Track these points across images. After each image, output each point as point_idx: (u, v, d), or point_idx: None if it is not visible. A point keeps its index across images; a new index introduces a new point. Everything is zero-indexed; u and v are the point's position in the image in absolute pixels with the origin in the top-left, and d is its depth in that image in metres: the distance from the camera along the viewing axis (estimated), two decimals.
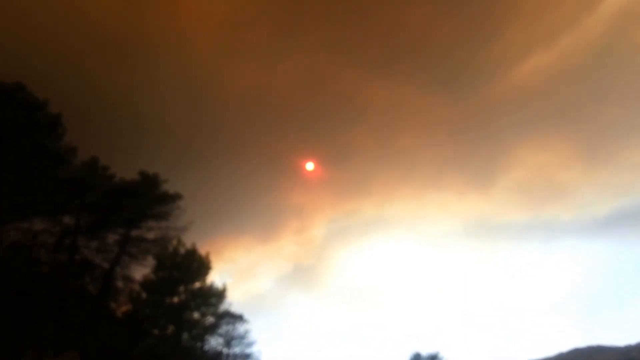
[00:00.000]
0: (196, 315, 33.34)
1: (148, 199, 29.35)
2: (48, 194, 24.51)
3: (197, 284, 33.57)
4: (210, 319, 33.49)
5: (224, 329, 33.56)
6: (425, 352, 45.94)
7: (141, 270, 30.17)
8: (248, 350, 33.77)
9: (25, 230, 25.69)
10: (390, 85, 47.27)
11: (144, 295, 31.89)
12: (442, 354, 45.32)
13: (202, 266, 33.77)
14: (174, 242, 32.37)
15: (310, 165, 44.77)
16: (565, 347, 58.82)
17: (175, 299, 32.71)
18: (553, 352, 58.84)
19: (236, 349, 33.60)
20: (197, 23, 40.11)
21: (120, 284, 28.47)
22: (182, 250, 33.53)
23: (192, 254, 33.70)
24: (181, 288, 33.03)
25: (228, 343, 33.46)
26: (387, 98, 48.78)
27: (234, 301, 34.36)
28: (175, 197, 30.09)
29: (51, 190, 24.56)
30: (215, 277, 37.30)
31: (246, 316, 34.07)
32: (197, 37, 41.03)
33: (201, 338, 32.93)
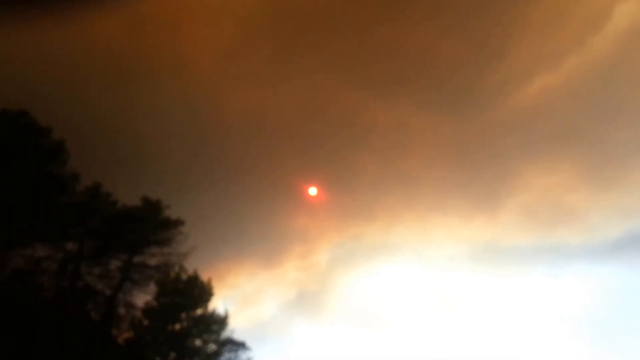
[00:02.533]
0: (198, 342, 32.93)
1: (150, 224, 29.28)
2: (51, 220, 24.48)
3: (199, 311, 33.24)
4: (212, 347, 33.07)
5: (226, 356, 33.11)
6: None
7: (143, 297, 29.94)
8: None
9: (28, 256, 25.59)
10: (393, 106, 47.39)
11: (145, 322, 31.55)
12: None
13: (204, 292, 33.50)
14: (176, 268, 32.18)
15: (313, 190, 44.61)
16: None
17: (177, 326, 32.35)
18: None
19: None
20: (198, 49, 40.56)
21: (122, 310, 28.21)
22: (184, 277, 33.30)
23: (194, 280, 33.45)
24: (183, 315, 32.70)
25: None
26: (390, 120, 48.87)
27: (237, 328, 33.96)
28: (178, 222, 30.02)
29: (54, 217, 24.54)
30: (218, 304, 36.93)
31: (249, 343, 33.65)
32: (198, 63, 41.43)
33: None
